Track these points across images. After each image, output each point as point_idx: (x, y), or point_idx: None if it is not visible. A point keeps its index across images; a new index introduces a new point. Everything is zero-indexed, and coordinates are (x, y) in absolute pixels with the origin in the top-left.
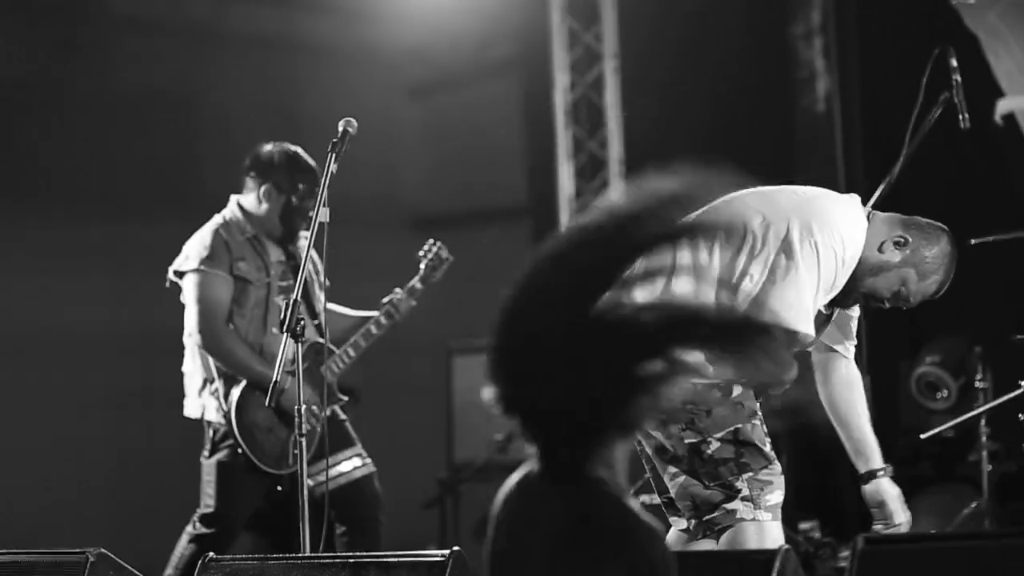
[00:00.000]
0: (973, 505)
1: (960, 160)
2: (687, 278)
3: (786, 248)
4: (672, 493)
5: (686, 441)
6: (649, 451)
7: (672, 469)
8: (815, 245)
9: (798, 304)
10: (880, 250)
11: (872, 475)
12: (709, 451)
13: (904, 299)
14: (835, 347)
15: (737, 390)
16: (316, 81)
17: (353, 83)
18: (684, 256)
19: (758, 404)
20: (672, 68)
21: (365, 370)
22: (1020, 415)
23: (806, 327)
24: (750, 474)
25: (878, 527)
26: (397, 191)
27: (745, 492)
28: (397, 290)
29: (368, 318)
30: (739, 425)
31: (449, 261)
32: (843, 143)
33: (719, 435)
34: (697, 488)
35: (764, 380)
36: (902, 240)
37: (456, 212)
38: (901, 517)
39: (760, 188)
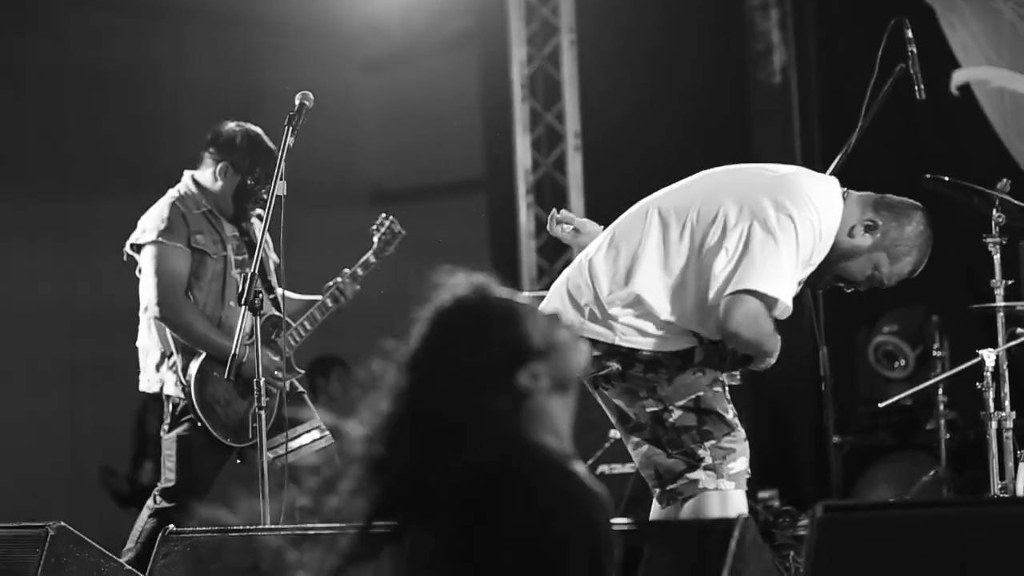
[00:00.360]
0: (931, 473)
1: (916, 131)
2: (654, 257)
3: (762, 222)
4: (636, 462)
5: (648, 410)
6: (613, 420)
7: (635, 438)
8: (792, 218)
9: (777, 275)
10: (851, 235)
11: None
12: (671, 419)
13: (879, 282)
14: None
15: (698, 357)
16: (272, 56)
17: (309, 57)
18: (654, 233)
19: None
20: (629, 41)
21: (322, 345)
22: (977, 384)
23: (786, 298)
24: (712, 442)
25: None
26: (354, 165)
27: (708, 461)
28: (345, 270)
29: (312, 302)
30: (700, 393)
31: (402, 235)
32: (800, 115)
33: (680, 403)
34: (660, 457)
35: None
36: (872, 224)
37: (413, 186)
38: None
39: (733, 166)
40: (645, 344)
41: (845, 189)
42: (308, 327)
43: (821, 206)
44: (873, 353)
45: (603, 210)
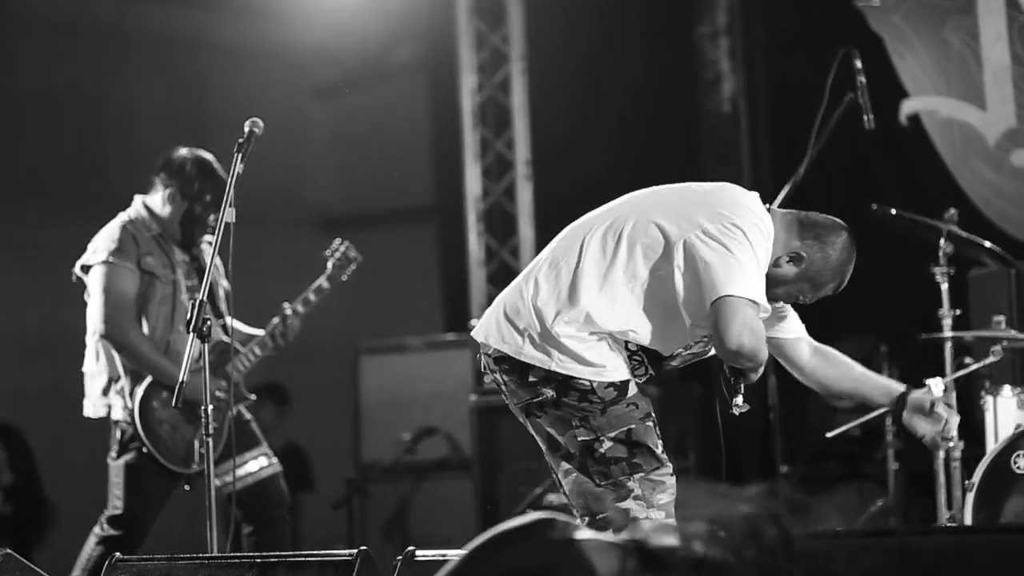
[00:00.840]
0: (879, 503)
1: (865, 160)
2: (594, 273)
3: (708, 235)
4: (566, 490)
5: (579, 439)
6: (543, 447)
7: (565, 465)
8: (736, 224)
9: (744, 275)
10: (776, 265)
11: (904, 396)
12: (601, 450)
13: (805, 303)
14: (781, 336)
15: (632, 390)
16: (222, 81)
17: (259, 83)
18: (593, 249)
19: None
20: (579, 69)
21: (273, 371)
22: None
23: (761, 297)
24: (641, 474)
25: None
26: (303, 191)
27: (636, 492)
28: (285, 306)
29: (255, 336)
30: (632, 426)
31: (357, 261)
32: (749, 144)
33: (612, 434)
34: (589, 485)
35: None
36: (796, 256)
37: (363, 212)
38: (953, 415)
39: (660, 186)
40: (581, 372)
41: (768, 204)
42: (258, 352)
43: (760, 213)
44: None
45: (553, 238)
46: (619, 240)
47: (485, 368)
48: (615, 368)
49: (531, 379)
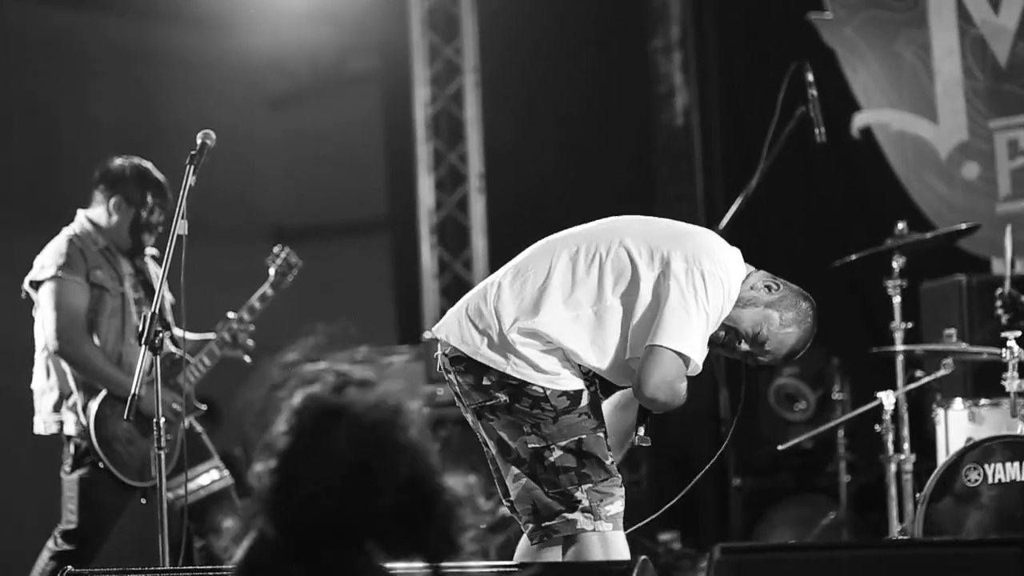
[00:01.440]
0: (831, 516)
1: (817, 173)
2: (559, 291)
3: (675, 275)
4: (513, 495)
5: (529, 446)
6: (493, 451)
7: (515, 470)
8: (703, 274)
9: (690, 334)
10: (752, 287)
11: None
12: (551, 458)
13: (760, 344)
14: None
15: (585, 400)
16: (175, 92)
17: (212, 94)
18: (561, 267)
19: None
20: (532, 82)
21: (221, 384)
22: (876, 427)
23: (698, 358)
24: (589, 485)
25: None
26: (256, 203)
27: (584, 503)
28: (230, 315)
29: (207, 340)
30: (583, 436)
31: (299, 266)
32: (702, 157)
33: (562, 443)
34: (538, 492)
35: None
36: (773, 286)
37: (315, 224)
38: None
39: (642, 216)
40: (535, 379)
41: (750, 269)
42: (207, 362)
43: (730, 266)
44: (774, 395)
45: (506, 251)
46: (592, 261)
47: (441, 367)
48: (568, 378)
49: (485, 382)
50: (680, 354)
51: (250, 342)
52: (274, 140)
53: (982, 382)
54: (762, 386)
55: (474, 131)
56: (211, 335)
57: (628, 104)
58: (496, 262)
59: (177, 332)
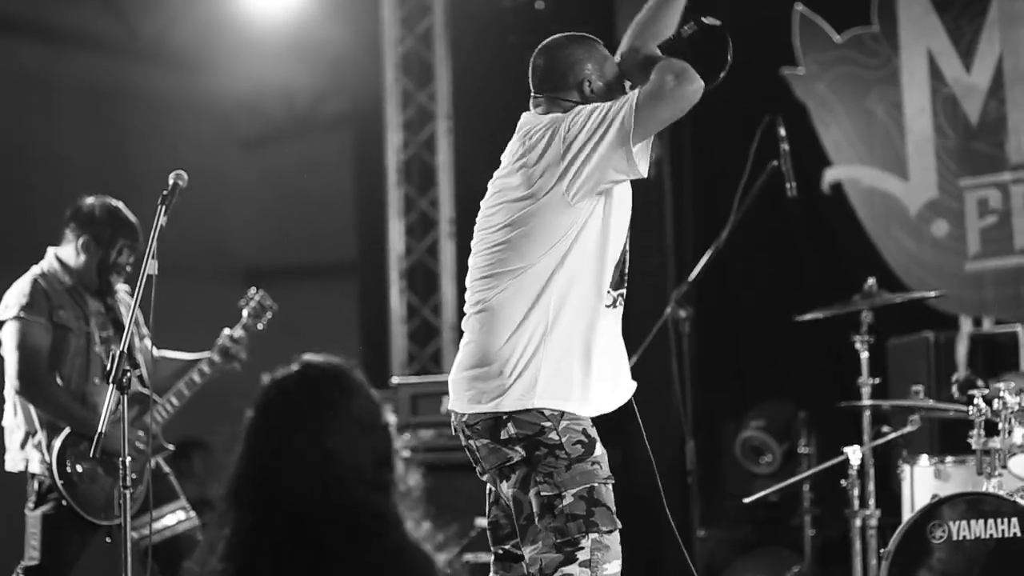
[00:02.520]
0: (795, 569)
1: (787, 227)
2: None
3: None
4: (528, 556)
5: (542, 494)
6: (511, 508)
7: (530, 531)
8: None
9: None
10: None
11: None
12: (562, 505)
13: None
14: None
15: (598, 450)
16: (148, 132)
17: (185, 134)
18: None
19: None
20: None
21: (186, 427)
22: (842, 481)
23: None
24: (596, 535)
25: None
26: (226, 243)
27: (585, 555)
28: (225, 331)
29: (197, 360)
30: (595, 484)
31: (273, 309)
32: (673, 208)
33: (574, 491)
34: (544, 546)
35: None
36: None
37: (285, 265)
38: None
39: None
40: (545, 403)
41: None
42: (175, 403)
43: None
44: (740, 447)
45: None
46: (494, 248)
47: (459, 434)
48: (581, 392)
49: (503, 436)
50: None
51: (243, 355)
52: (246, 181)
53: (948, 439)
54: (728, 438)
55: (446, 176)
56: (196, 355)
57: None
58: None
59: (168, 353)
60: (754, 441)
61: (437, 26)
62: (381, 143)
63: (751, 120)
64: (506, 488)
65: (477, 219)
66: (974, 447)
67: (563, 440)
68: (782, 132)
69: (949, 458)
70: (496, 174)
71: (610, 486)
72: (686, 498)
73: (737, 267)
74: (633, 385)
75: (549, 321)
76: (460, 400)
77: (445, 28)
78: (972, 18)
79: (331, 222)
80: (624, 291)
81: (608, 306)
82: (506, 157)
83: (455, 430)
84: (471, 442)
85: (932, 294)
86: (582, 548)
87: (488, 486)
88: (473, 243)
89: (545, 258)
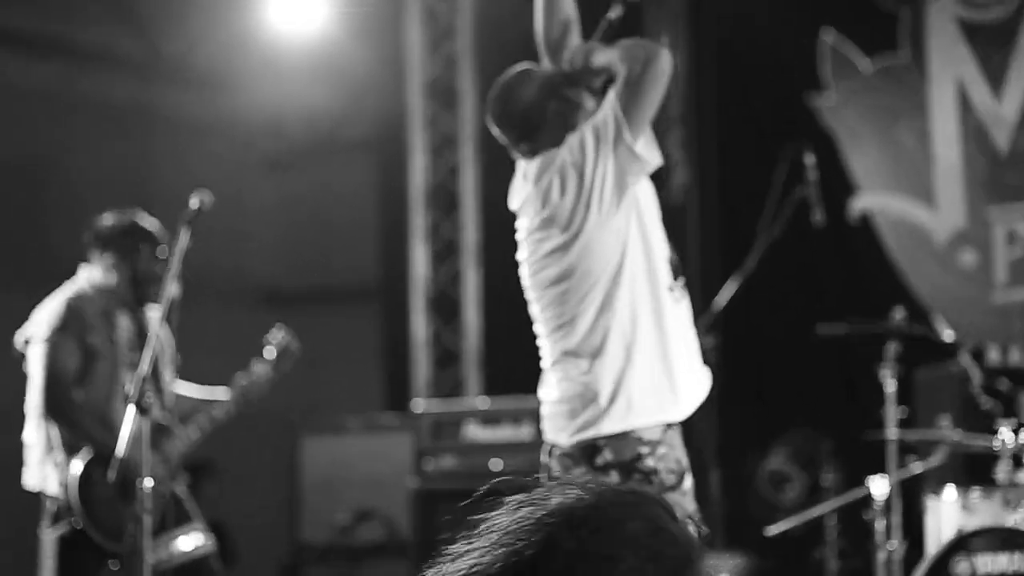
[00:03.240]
0: None
1: (813, 256)
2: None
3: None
4: None
5: None
6: None
7: None
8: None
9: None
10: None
11: None
12: None
13: None
14: None
15: (688, 482)
16: (170, 151)
17: (208, 155)
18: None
19: None
20: None
21: (210, 448)
22: (863, 514)
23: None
24: None
25: None
26: (249, 265)
27: None
28: (243, 376)
29: (207, 402)
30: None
31: (298, 354)
32: (699, 235)
33: None
34: None
35: None
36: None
37: (307, 288)
38: None
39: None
40: (640, 423)
41: None
42: (199, 430)
43: None
44: (764, 477)
45: (499, 324)
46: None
47: (554, 469)
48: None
49: (598, 462)
50: None
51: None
52: (268, 202)
53: (974, 471)
54: (752, 467)
55: (470, 202)
56: (210, 393)
57: None
58: (489, 335)
59: (184, 389)
60: (778, 471)
61: (462, 50)
62: (405, 166)
63: (777, 147)
64: None
65: (524, 276)
66: (999, 480)
67: (659, 467)
68: (809, 160)
69: (975, 491)
70: (524, 229)
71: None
72: (710, 528)
73: (763, 295)
74: (707, 372)
75: (628, 339)
76: (560, 432)
77: (471, 52)
78: (1001, 46)
79: (352, 246)
80: (684, 279)
81: (673, 303)
82: (525, 206)
83: (549, 466)
84: (567, 473)
85: (952, 338)
86: None
87: None
88: (532, 298)
89: (606, 286)
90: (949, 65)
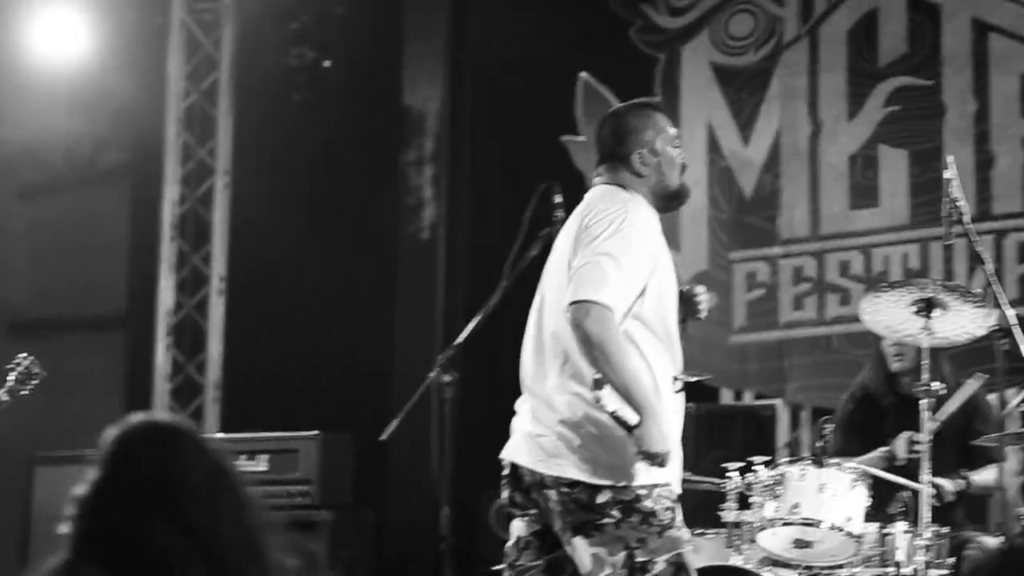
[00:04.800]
0: None
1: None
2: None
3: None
4: None
5: (636, 560)
6: (577, 561)
7: None
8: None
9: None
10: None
11: None
12: (654, 571)
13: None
14: None
15: (679, 513)
16: None
17: None
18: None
19: None
20: (283, 187)
21: None
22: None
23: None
24: None
25: None
26: None
27: None
28: None
29: None
30: (682, 550)
31: (41, 376)
32: (445, 272)
33: (666, 556)
34: None
35: None
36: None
37: (54, 317)
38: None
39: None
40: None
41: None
42: None
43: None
44: (494, 515)
45: (241, 356)
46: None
47: (527, 487)
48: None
49: (599, 500)
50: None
51: None
52: (20, 230)
53: (699, 511)
54: (484, 506)
55: (220, 234)
56: None
57: (377, 214)
58: (230, 366)
59: None
60: (508, 508)
61: (223, 81)
62: (158, 196)
63: (529, 186)
64: (582, 543)
65: (542, 303)
66: (724, 520)
67: (656, 508)
68: (558, 199)
69: (699, 530)
70: (561, 250)
71: (690, 549)
72: (439, 565)
73: (507, 334)
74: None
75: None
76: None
77: (230, 84)
78: (753, 91)
79: (103, 275)
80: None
81: (677, 392)
82: (568, 235)
83: (515, 486)
84: (549, 492)
85: (693, 378)
86: None
87: (518, 537)
88: (547, 330)
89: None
90: (701, 108)
